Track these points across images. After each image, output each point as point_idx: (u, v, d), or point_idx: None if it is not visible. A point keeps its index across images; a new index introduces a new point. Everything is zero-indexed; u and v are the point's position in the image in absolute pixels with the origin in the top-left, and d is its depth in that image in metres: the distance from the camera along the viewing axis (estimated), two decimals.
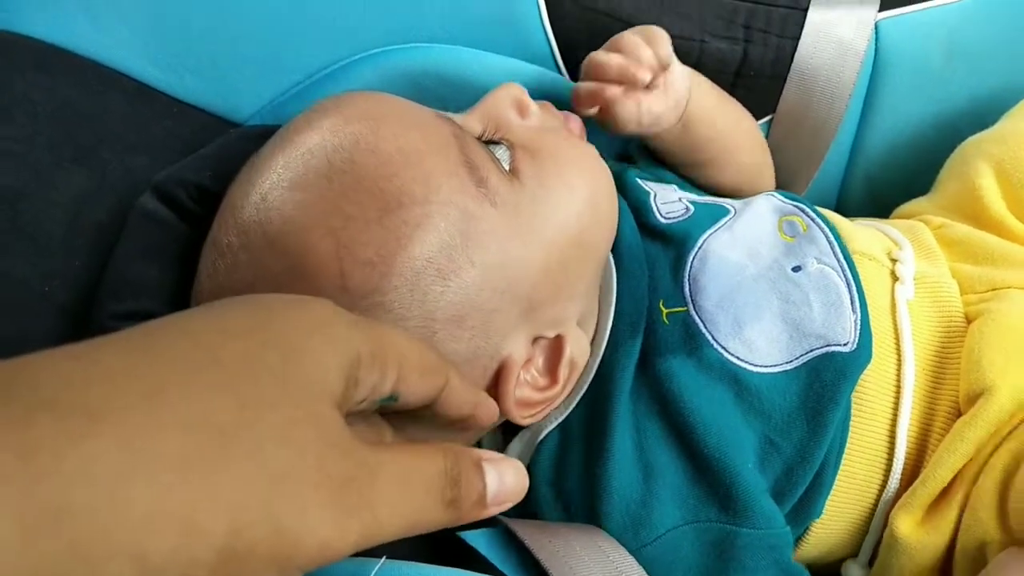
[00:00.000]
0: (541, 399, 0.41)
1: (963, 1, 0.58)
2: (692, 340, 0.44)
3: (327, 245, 0.35)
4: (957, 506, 0.42)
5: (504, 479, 0.30)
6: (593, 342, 0.44)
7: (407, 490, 0.27)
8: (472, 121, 0.43)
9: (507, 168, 0.41)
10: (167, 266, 0.42)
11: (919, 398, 0.45)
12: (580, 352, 0.43)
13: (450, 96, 0.51)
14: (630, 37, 0.49)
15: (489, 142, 0.42)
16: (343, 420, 0.26)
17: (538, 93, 0.54)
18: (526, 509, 0.41)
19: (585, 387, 0.43)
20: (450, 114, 0.43)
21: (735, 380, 0.43)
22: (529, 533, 0.38)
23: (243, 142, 0.46)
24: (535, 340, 0.41)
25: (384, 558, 0.34)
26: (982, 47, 0.59)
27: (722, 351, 0.43)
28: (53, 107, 0.45)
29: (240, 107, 0.52)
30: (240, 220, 0.37)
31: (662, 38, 0.49)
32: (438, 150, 0.38)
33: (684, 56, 0.57)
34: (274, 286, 0.35)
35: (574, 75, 0.56)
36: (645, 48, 0.48)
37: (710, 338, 0.44)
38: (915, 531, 0.43)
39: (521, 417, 0.40)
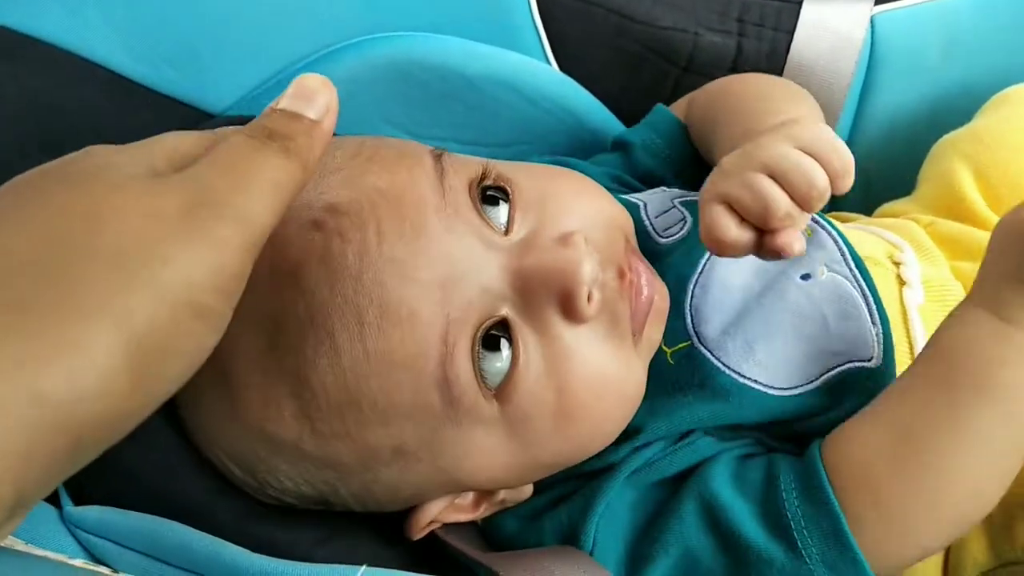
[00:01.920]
0: (451, 519, 0.40)
1: None
2: (702, 372, 0.41)
3: (291, 408, 0.34)
4: None
5: (314, 98, 0.29)
6: None
7: (238, 172, 0.26)
8: (501, 275, 0.35)
9: (496, 386, 0.35)
10: None
11: None
12: (516, 498, 0.41)
13: (435, 85, 0.50)
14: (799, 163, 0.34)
15: (500, 326, 0.35)
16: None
17: (526, 84, 0.53)
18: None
19: None
20: (504, 220, 0.36)
21: (754, 404, 0.40)
22: (507, 567, 0.37)
23: None
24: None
25: (364, 567, 0.32)
26: (978, 42, 0.59)
27: (736, 375, 0.40)
28: (21, 98, 0.43)
29: (220, 97, 0.50)
30: None
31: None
32: (416, 361, 0.33)
33: (678, 49, 0.56)
34: (228, 405, 0.35)
35: (562, 65, 0.55)
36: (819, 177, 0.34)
37: (720, 364, 0.41)
38: None
39: (416, 535, 0.39)
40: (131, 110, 0.47)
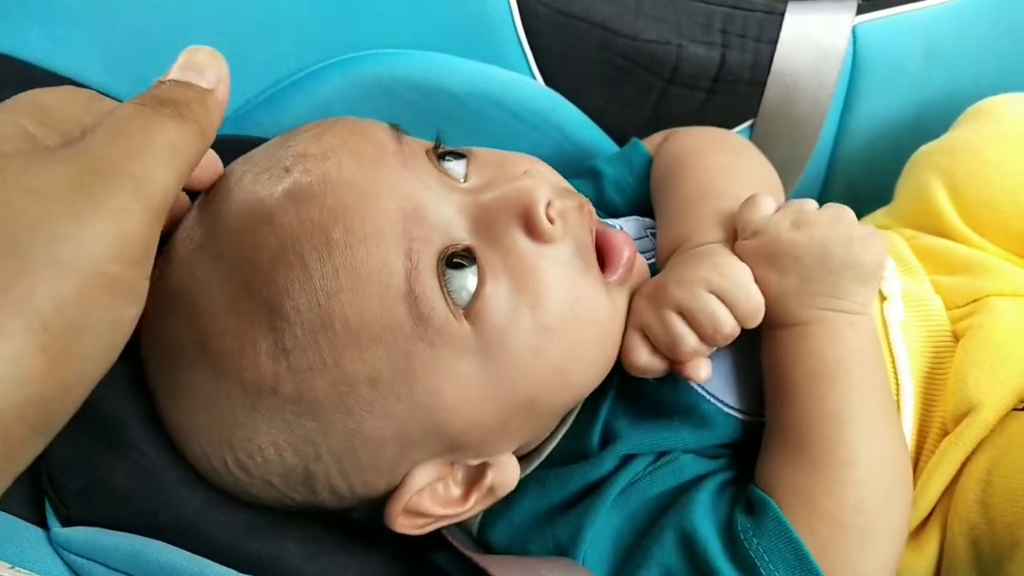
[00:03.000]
0: (440, 514, 0.38)
1: (940, 5, 0.58)
2: (684, 397, 0.41)
3: (265, 345, 0.34)
4: (939, 524, 0.42)
5: (204, 69, 0.30)
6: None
7: (131, 138, 0.27)
8: (461, 213, 0.36)
9: (465, 302, 0.35)
10: None
11: (914, 421, 0.44)
12: (504, 482, 0.39)
13: (420, 102, 0.50)
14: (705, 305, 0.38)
15: (464, 253, 0.35)
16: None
17: (511, 98, 0.53)
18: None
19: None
20: (463, 169, 0.39)
21: (737, 430, 0.41)
22: (500, 568, 0.37)
23: None
24: (454, 463, 0.38)
25: None
26: (959, 51, 0.59)
27: (717, 403, 0.41)
28: None
29: None
30: (192, 271, 0.35)
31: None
32: (383, 274, 0.33)
33: (661, 61, 0.56)
34: (211, 362, 0.34)
35: (547, 79, 0.56)
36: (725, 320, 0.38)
37: (703, 392, 0.41)
38: (904, 554, 0.42)
39: (400, 527, 0.38)
40: None
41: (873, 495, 0.37)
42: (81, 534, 0.35)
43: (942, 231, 0.51)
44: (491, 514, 0.41)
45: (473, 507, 0.39)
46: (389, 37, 0.51)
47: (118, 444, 0.36)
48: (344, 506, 0.39)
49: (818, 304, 0.39)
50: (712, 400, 0.41)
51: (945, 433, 0.43)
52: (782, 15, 0.57)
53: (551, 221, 0.36)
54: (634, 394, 0.41)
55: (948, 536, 0.41)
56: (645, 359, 0.39)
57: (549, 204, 0.36)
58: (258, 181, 0.36)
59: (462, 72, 0.51)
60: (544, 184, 0.37)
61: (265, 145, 0.39)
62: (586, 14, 0.54)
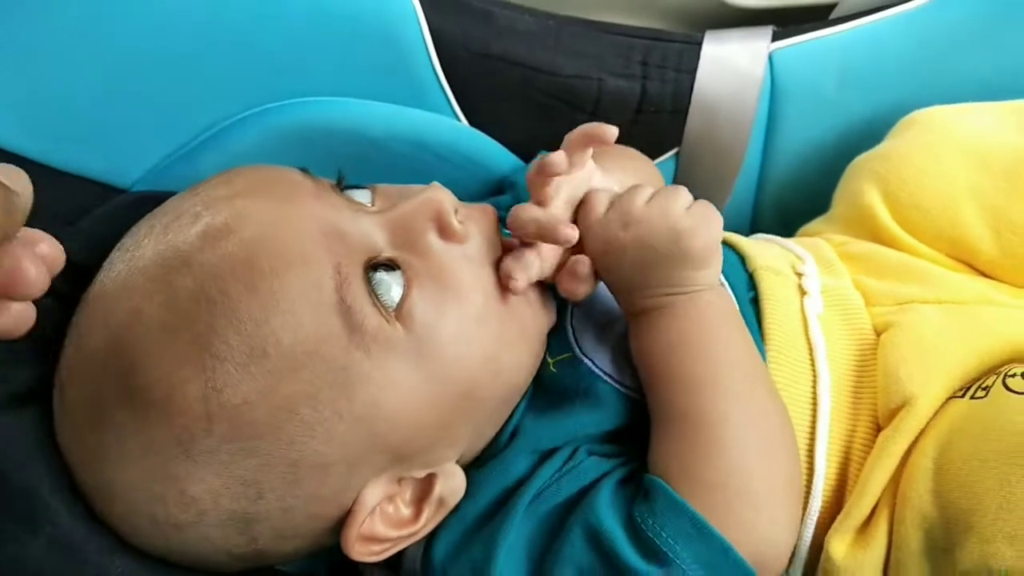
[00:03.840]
0: (395, 536, 0.38)
1: (852, 29, 0.59)
2: (584, 381, 0.43)
3: (195, 387, 0.33)
4: (886, 516, 0.42)
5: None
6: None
7: None
8: (377, 230, 0.38)
9: (394, 305, 0.36)
10: (30, 349, 0.39)
11: (838, 415, 0.44)
12: (453, 491, 0.40)
13: (340, 149, 0.50)
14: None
15: (386, 264, 0.37)
16: None
17: (433, 140, 0.54)
18: None
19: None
20: (368, 198, 0.40)
21: (634, 414, 0.42)
22: None
23: (120, 212, 0.44)
24: (401, 479, 0.39)
25: None
26: (873, 72, 0.61)
27: (613, 383, 0.43)
28: None
29: (125, 172, 0.50)
30: (108, 326, 0.35)
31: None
32: (312, 291, 0.35)
33: (583, 95, 0.57)
34: (135, 415, 0.34)
35: (472, 119, 0.56)
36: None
37: (600, 372, 0.43)
38: (850, 551, 0.42)
39: (359, 554, 0.37)
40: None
41: (746, 453, 0.38)
42: None
43: (876, 234, 0.52)
44: (433, 535, 0.41)
45: (426, 523, 0.39)
46: (307, 86, 0.51)
47: (30, 517, 0.35)
48: (285, 551, 0.38)
49: (658, 293, 0.41)
50: (607, 379, 0.43)
51: (877, 426, 0.44)
52: (700, 44, 0.59)
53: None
54: (542, 391, 0.43)
55: (899, 529, 0.41)
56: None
57: (455, 210, 0.40)
58: (169, 230, 0.36)
59: (382, 117, 0.52)
60: (446, 193, 0.40)
61: (173, 197, 0.40)
62: (505, 54, 0.55)
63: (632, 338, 0.43)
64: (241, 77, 0.50)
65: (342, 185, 0.41)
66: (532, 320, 0.42)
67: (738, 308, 0.44)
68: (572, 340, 0.44)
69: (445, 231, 0.39)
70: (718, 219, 0.42)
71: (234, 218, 0.36)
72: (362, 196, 0.41)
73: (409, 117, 0.52)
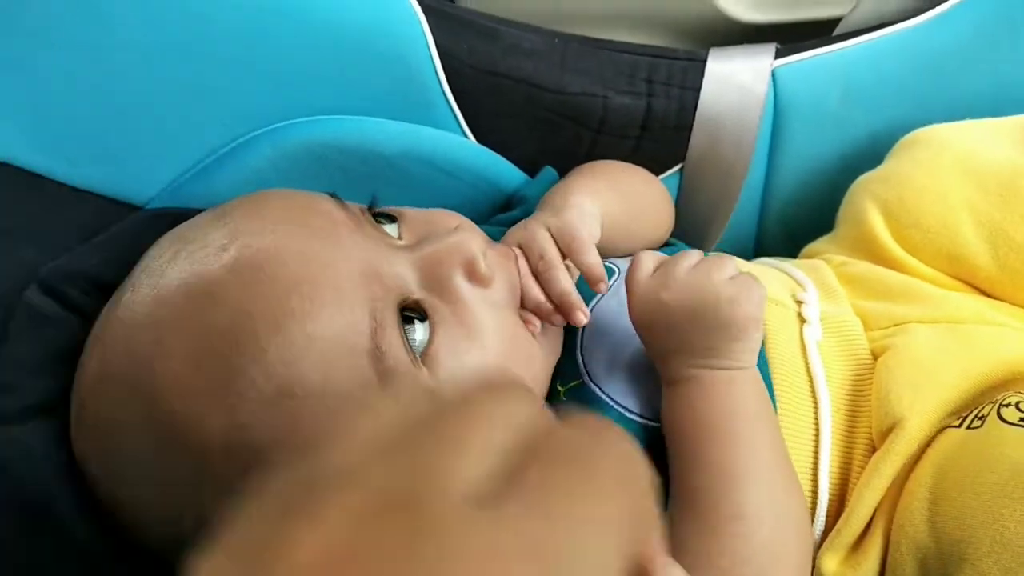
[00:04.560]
0: None
1: (855, 46, 0.60)
2: (592, 407, 0.43)
3: (218, 421, 0.33)
4: (879, 537, 0.42)
5: None
6: None
7: None
8: (408, 269, 0.38)
9: (422, 349, 0.37)
10: (48, 363, 0.40)
11: (837, 439, 0.45)
12: None
13: (354, 167, 0.51)
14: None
15: (415, 309, 0.37)
16: None
17: (443, 158, 0.54)
18: None
19: None
20: (395, 230, 0.41)
21: (642, 436, 0.42)
22: None
23: (139, 228, 0.45)
24: None
25: None
26: (875, 88, 0.61)
27: (623, 410, 0.43)
28: None
29: (140, 190, 0.51)
30: (132, 351, 0.35)
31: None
32: (347, 336, 0.34)
33: (589, 113, 0.58)
34: (149, 442, 0.34)
35: (478, 135, 0.57)
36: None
37: (608, 400, 0.43)
38: (840, 569, 0.43)
39: None
40: (47, 207, 0.48)
41: (762, 547, 0.38)
42: None
43: (878, 254, 0.53)
44: None
45: None
46: (318, 104, 0.52)
47: (43, 529, 0.36)
48: None
49: (696, 363, 0.41)
50: (617, 407, 0.43)
51: (872, 450, 0.44)
52: (704, 61, 0.59)
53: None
54: None
55: (895, 555, 0.41)
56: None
57: (484, 253, 0.40)
58: (195, 259, 0.36)
59: (393, 135, 0.52)
60: (477, 236, 0.40)
61: (195, 220, 0.40)
62: (511, 72, 0.55)
63: (663, 411, 0.42)
64: (251, 95, 0.51)
65: (374, 211, 0.41)
66: (544, 360, 0.43)
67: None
68: (582, 366, 0.45)
69: (474, 276, 0.39)
70: (762, 291, 0.42)
71: (264, 253, 0.35)
72: (391, 228, 0.41)
73: (421, 135, 0.53)
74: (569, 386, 0.44)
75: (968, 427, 0.42)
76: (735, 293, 0.41)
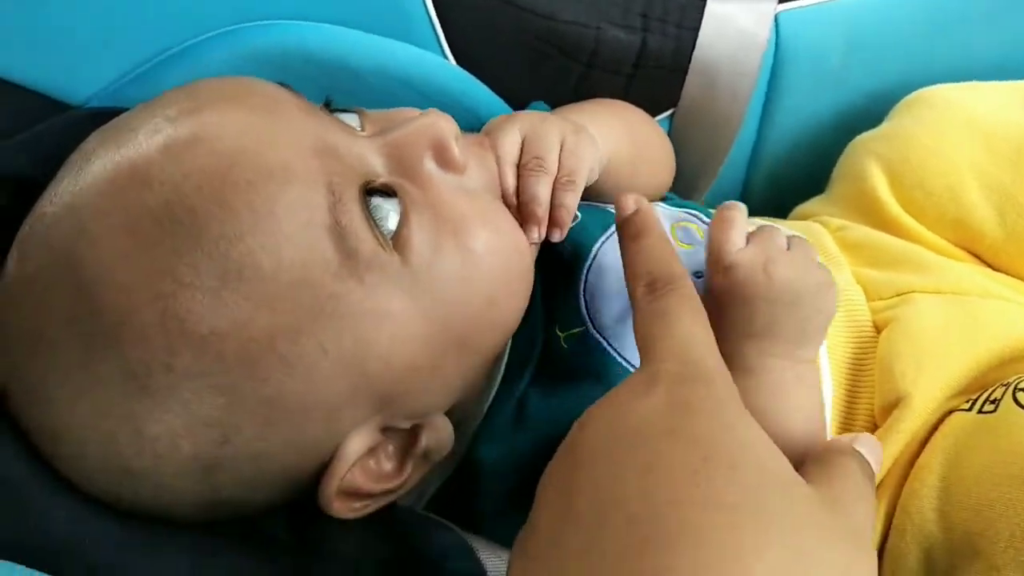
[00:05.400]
0: (378, 491, 0.35)
1: None
2: (595, 358, 0.39)
3: (152, 313, 0.29)
4: (879, 520, 0.40)
5: None
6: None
7: None
8: (372, 153, 0.35)
9: (391, 232, 0.33)
10: None
11: (836, 412, 0.43)
12: (439, 445, 0.37)
13: (319, 79, 0.46)
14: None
15: (382, 189, 0.34)
16: None
17: (420, 79, 0.50)
18: None
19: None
20: (357, 122, 0.37)
21: None
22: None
23: (72, 127, 0.39)
24: (386, 429, 0.35)
25: None
26: (879, 44, 0.59)
27: (629, 366, 0.39)
28: None
29: (76, 88, 0.45)
30: (53, 245, 0.31)
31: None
32: (300, 209, 0.31)
33: (580, 44, 0.53)
34: (82, 344, 0.30)
35: (460, 59, 0.52)
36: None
37: (615, 355, 0.39)
38: None
39: (344, 511, 0.35)
40: None
41: None
42: None
43: (877, 216, 0.51)
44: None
45: (410, 477, 0.36)
46: (282, 8, 0.46)
47: None
48: (255, 502, 0.34)
49: (777, 352, 0.37)
50: (622, 361, 0.39)
51: (874, 427, 0.42)
52: (704, 1, 0.56)
53: None
54: (550, 367, 0.40)
55: (898, 543, 0.39)
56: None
57: (456, 137, 0.36)
58: (123, 144, 0.32)
59: (366, 48, 0.47)
60: (448, 120, 0.37)
61: (126, 112, 0.35)
62: None
63: None
64: None
65: (330, 108, 0.37)
66: (529, 257, 0.39)
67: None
68: (584, 313, 0.40)
69: (445, 160, 0.36)
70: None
71: (203, 128, 0.31)
72: (350, 120, 0.37)
73: (396, 51, 0.48)
74: (570, 332, 0.40)
75: (980, 411, 0.39)
76: (828, 281, 0.39)
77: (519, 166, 0.40)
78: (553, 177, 0.39)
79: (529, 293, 0.38)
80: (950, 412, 0.41)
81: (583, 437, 0.28)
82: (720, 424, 0.27)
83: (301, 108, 0.34)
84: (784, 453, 0.28)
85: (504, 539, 0.37)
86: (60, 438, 0.31)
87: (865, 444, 0.31)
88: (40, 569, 0.30)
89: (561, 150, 0.41)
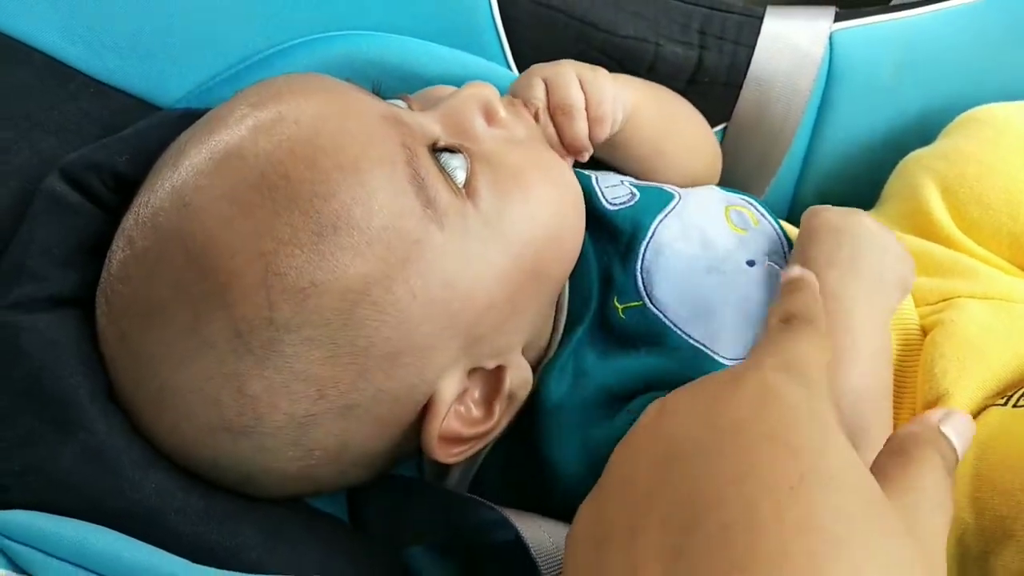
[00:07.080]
0: (472, 434, 0.38)
1: (916, 16, 0.58)
2: (654, 330, 0.42)
3: (255, 272, 0.32)
4: None
5: None
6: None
7: None
8: (431, 122, 0.39)
9: (461, 184, 0.36)
10: (73, 254, 0.38)
11: None
12: (521, 384, 0.39)
13: (395, 87, 0.48)
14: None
15: (446, 149, 0.37)
16: None
17: None
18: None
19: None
20: (405, 105, 0.40)
21: (703, 366, 0.41)
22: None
23: (165, 126, 0.42)
24: (472, 371, 0.38)
25: None
26: (932, 62, 0.59)
27: (687, 337, 0.42)
28: None
29: (166, 90, 0.48)
30: (159, 224, 0.34)
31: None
32: (382, 164, 0.34)
33: (638, 58, 0.55)
34: (191, 309, 0.32)
35: (523, 69, 0.54)
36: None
37: (673, 327, 0.42)
38: None
39: (446, 456, 0.37)
40: (68, 97, 0.45)
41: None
42: (20, 518, 0.32)
43: (931, 233, 0.51)
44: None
45: (500, 420, 0.38)
46: (362, 20, 0.49)
47: (64, 420, 0.33)
48: (338, 466, 0.36)
49: (856, 285, 0.41)
50: (681, 333, 0.42)
51: None
52: (761, 19, 0.57)
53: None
54: (604, 330, 0.42)
55: None
56: None
57: (499, 100, 0.41)
58: (215, 132, 0.35)
59: (438, 59, 0.50)
60: (491, 87, 0.41)
61: (213, 109, 0.38)
62: (565, 6, 0.53)
63: None
64: (292, 4, 0.48)
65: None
66: (577, 188, 0.42)
67: None
68: (641, 287, 0.43)
69: (493, 119, 0.40)
70: None
71: (285, 107, 0.35)
72: (400, 103, 0.41)
73: (467, 63, 0.51)
74: (628, 305, 0.43)
75: (1015, 405, 0.41)
76: (910, 256, 0.45)
77: (550, 109, 0.45)
78: (583, 111, 0.45)
79: (583, 223, 0.41)
80: (986, 407, 0.42)
81: (673, 425, 0.27)
82: (819, 436, 0.25)
83: (364, 91, 0.39)
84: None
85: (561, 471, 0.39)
86: (164, 404, 0.34)
87: (955, 424, 0.29)
88: (128, 533, 0.33)
89: (582, 85, 0.45)
